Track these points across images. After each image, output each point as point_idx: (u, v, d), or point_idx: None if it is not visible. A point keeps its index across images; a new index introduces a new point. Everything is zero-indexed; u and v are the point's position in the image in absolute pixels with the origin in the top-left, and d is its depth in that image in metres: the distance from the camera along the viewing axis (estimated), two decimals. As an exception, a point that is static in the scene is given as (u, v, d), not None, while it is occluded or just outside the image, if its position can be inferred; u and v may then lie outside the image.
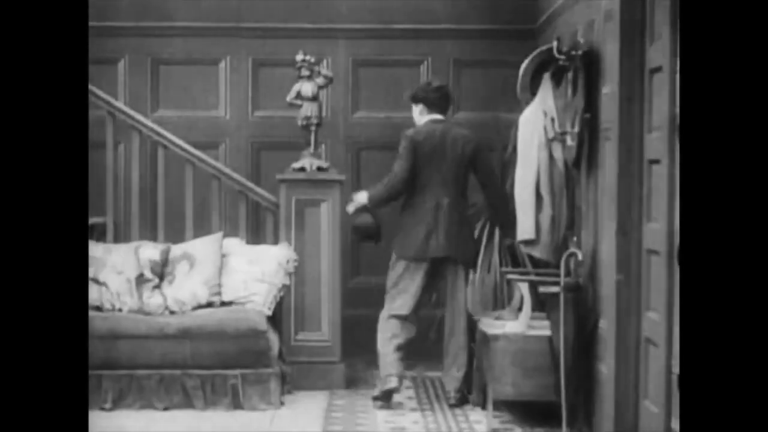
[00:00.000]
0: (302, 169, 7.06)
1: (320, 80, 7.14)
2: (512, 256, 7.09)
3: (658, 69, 4.85)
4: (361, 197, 6.83)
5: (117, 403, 6.37)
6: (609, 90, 5.44)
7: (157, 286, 6.70)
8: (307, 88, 7.09)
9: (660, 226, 4.78)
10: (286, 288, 6.85)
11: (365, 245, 7.99)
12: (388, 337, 6.72)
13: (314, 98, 7.10)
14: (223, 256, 6.82)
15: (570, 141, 5.91)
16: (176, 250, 6.85)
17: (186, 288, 6.66)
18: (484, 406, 6.29)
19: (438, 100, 6.86)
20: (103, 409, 6.32)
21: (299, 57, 7.12)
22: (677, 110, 4.49)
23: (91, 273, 6.56)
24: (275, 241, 7.07)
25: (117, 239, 7.16)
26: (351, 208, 6.86)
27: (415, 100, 6.91)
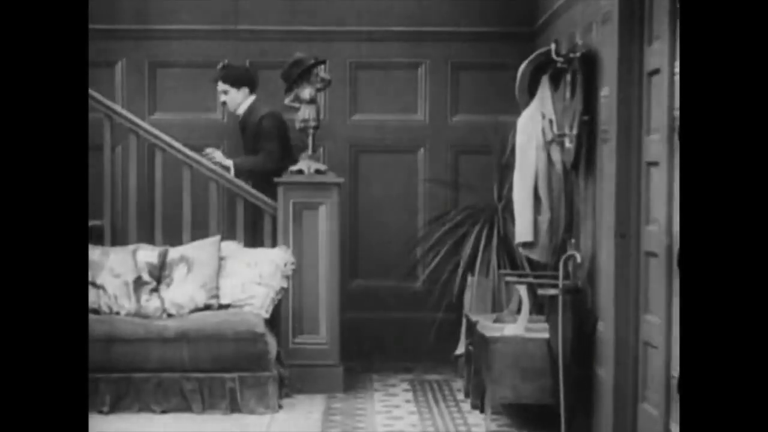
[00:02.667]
0: (300, 172, 7.05)
1: (318, 83, 7.13)
2: (510, 259, 7.09)
3: (656, 71, 4.84)
4: (222, 159, 7.24)
5: (115, 407, 6.36)
6: (607, 92, 5.43)
7: (155, 289, 6.69)
8: (305, 90, 7.08)
9: (658, 228, 4.77)
10: (284, 291, 6.84)
11: (364, 248, 8.04)
12: None
13: (312, 101, 7.09)
14: (221, 259, 6.80)
15: (568, 143, 5.90)
16: (174, 253, 6.84)
17: (184, 291, 6.65)
18: (482, 409, 6.28)
19: (256, 81, 7.49)
20: (101, 412, 6.30)
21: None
22: (676, 112, 4.48)
23: (89, 276, 6.54)
24: (273, 244, 7.06)
25: (114, 242, 7.15)
26: (212, 155, 7.21)
27: (240, 83, 7.38)
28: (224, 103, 7.52)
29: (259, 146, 7.32)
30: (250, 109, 7.44)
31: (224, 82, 7.43)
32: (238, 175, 7.22)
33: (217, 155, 7.29)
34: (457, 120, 8.24)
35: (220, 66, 7.44)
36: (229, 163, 7.26)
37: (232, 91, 7.41)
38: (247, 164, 7.33)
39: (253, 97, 7.45)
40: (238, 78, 7.42)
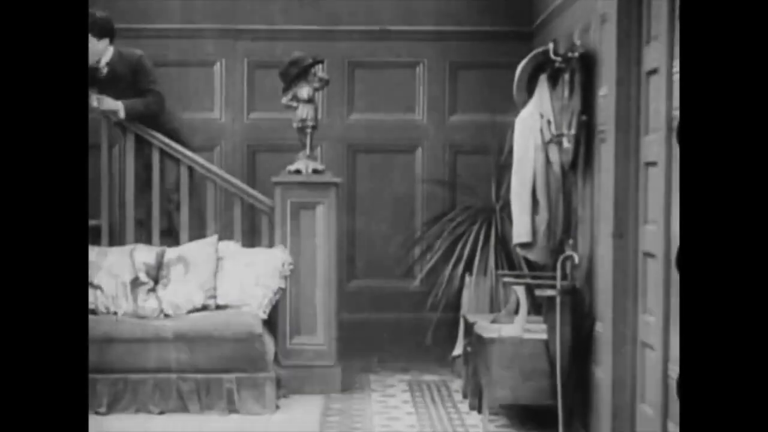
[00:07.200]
0: (298, 172, 7.04)
1: (316, 82, 7.12)
2: (508, 259, 7.09)
3: (654, 71, 4.83)
4: (114, 105, 7.00)
5: (112, 407, 6.35)
6: (605, 92, 5.42)
7: (152, 290, 6.67)
8: (302, 90, 7.07)
9: (656, 228, 4.76)
10: (281, 291, 6.83)
11: (361, 248, 8.03)
12: None
13: (310, 100, 7.08)
14: (219, 259, 6.79)
15: (566, 143, 5.89)
16: (171, 253, 6.83)
17: (181, 291, 6.64)
18: (480, 410, 6.27)
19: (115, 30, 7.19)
20: (98, 413, 6.29)
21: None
22: (674, 112, 4.47)
23: (86, 276, 6.53)
24: (271, 244, 7.05)
25: (112, 242, 7.13)
26: (103, 106, 6.99)
27: (101, 33, 7.02)
28: None
29: (143, 87, 7.09)
30: (117, 57, 7.15)
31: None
32: (129, 118, 7.02)
33: (106, 101, 6.99)
34: (455, 120, 8.24)
35: None
36: (119, 105, 7.00)
37: (93, 40, 6.99)
38: (138, 106, 7.04)
39: (112, 47, 7.13)
40: (99, 28, 7.01)
